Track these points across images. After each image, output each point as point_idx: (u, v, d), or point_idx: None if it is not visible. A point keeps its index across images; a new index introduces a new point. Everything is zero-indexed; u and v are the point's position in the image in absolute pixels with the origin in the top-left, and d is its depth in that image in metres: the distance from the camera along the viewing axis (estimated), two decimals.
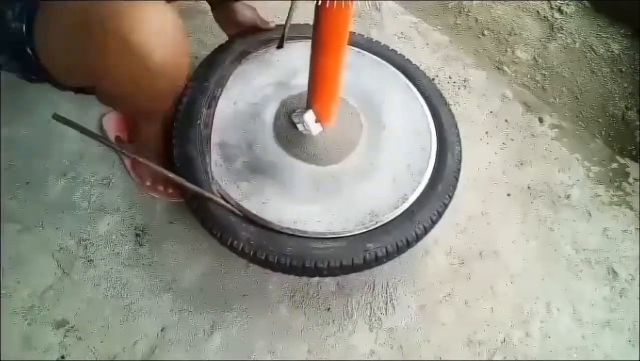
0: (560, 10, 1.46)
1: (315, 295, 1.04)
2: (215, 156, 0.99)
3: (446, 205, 0.98)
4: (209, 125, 1.02)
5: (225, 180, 0.96)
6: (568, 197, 1.21)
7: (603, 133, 1.32)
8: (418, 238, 0.94)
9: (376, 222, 0.93)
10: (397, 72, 1.15)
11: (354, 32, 1.22)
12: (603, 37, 1.41)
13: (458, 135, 1.07)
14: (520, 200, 1.20)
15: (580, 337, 1.04)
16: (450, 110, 1.11)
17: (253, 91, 1.09)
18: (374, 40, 1.22)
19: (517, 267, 1.10)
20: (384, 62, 1.16)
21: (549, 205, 1.20)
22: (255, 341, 0.98)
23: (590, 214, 1.19)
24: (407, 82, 1.13)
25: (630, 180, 1.26)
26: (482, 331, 1.03)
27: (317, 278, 1.05)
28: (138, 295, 1.01)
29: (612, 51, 1.39)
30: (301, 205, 0.94)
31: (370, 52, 1.18)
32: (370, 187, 0.98)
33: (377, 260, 0.91)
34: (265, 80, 1.11)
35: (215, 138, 1.01)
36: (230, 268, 1.05)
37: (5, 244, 1.03)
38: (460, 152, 1.05)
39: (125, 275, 1.03)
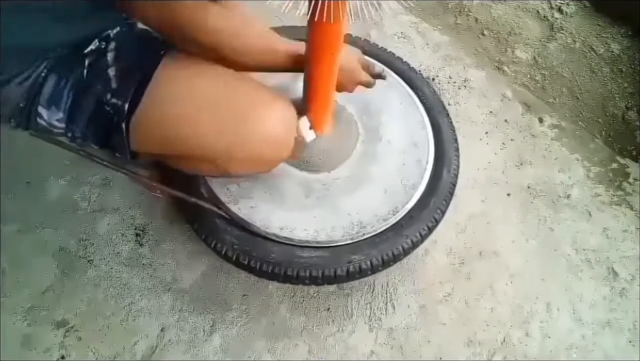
0: (560, 10, 1.46)
1: (315, 295, 1.04)
2: None
3: (437, 221, 0.95)
4: None
5: (215, 182, 0.96)
6: (568, 197, 1.21)
7: (603, 133, 1.32)
8: (405, 252, 0.92)
9: (363, 234, 0.92)
10: (400, 80, 1.12)
11: (360, 38, 1.20)
12: (603, 37, 1.41)
13: (457, 149, 1.04)
14: (520, 200, 1.20)
15: (580, 337, 1.04)
16: (451, 123, 1.08)
17: None
18: (380, 47, 1.19)
19: (517, 267, 1.10)
20: (387, 69, 1.13)
21: (549, 205, 1.20)
22: (255, 341, 0.98)
23: (590, 214, 1.19)
24: (410, 91, 1.11)
25: (630, 180, 1.25)
26: (482, 331, 1.03)
27: None
28: (138, 295, 1.01)
29: (612, 51, 1.38)
30: (289, 212, 0.93)
31: (374, 59, 1.15)
32: (360, 198, 0.96)
33: (361, 273, 0.89)
34: (266, 82, 1.10)
35: None
36: (231, 269, 1.05)
37: (5, 244, 1.03)
38: (458, 167, 1.02)
39: (125, 275, 1.03)
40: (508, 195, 1.20)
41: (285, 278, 0.89)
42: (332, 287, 1.05)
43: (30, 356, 0.94)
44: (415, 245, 0.93)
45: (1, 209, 1.07)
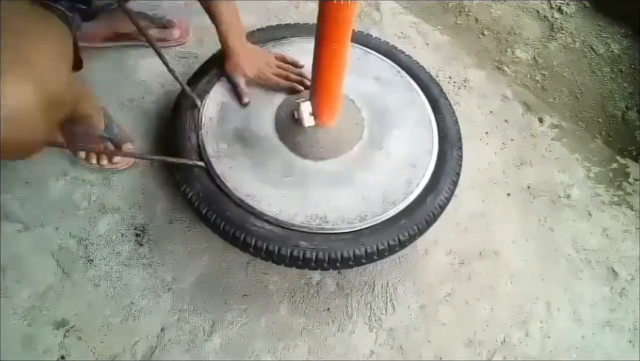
0: (560, 10, 1.46)
1: (315, 295, 1.04)
2: (211, 108, 1.04)
3: (400, 243, 0.92)
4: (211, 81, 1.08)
5: (209, 133, 1.00)
6: (568, 197, 1.21)
7: (603, 133, 1.32)
8: (355, 259, 0.90)
9: (322, 228, 0.92)
10: (426, 103, 1.11)
11: (403, 52, 1.19)
12: (603, 37, 1.41)
13: (454, 183, 1.01)
14: (520, 200, 1.20)
15: (580, 337, 1.04)
16: (460, 157, 1.05)
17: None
18: (419, 64, 1.18)
19: (517, 267, 1.10)
20: (417, 88, 1.13)
21: (549, 205, 1.20)
22: (255, 341, 0.98)
23: (590, 214, 1.19)
24: (431, 115, 1.09)
25: (630, 180, 1.26)
26: (482, 331, 1.03)
27: (317, 278, 1.05)
28: (138, 295, 1.01)
29: (612, 51, 1.39)
30: (261, 184, 0.96)
31: (410, 75, 1.15)
32: (335, 196, 0.96)
33: (304, 261, 0.89)
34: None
35: (219, 94, 1.06)
36: (231, 268, 1.05)
37: (5, 244, 1.03)
38: (447, 198, 0.99)
39: (125, 275, 1.03)
40: (508, 195, 1.20)
41: (233, 240, 0.92)
42: (332, 287, 1.05)
43: (30, 356, 0.94)
44: (367, 257, 0.91)
45: (1, 209, 1.07)
